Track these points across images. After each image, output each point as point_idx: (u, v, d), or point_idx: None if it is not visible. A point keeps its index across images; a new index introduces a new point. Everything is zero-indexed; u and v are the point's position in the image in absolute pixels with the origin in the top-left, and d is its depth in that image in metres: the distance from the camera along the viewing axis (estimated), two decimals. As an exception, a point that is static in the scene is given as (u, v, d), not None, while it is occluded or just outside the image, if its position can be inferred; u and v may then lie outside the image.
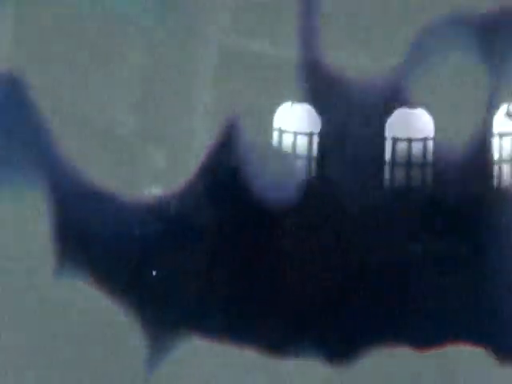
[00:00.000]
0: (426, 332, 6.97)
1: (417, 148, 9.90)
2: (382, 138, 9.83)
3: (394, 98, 9.80)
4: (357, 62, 9.79)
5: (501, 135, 9.37)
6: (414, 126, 9.87)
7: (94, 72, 7.17)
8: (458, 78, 9.39)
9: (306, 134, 9.98)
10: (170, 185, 6.78)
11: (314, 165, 9.91)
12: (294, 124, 9.97)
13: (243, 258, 6.61)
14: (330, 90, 9.77)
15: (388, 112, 9.91)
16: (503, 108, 9.36)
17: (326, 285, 8.22)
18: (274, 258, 6.96)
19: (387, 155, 9.88)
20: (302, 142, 9.90)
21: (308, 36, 9.61)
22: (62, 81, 7.06)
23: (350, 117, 9.84)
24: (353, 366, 6.20)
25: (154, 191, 6.80)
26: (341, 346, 6.52)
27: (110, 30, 7.61)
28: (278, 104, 9.81)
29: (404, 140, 9.98)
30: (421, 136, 9.90)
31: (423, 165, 9.81)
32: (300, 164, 9.65)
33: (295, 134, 9.89)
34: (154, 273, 7.08)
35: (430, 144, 9.78)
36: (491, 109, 9.34)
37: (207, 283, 7.69)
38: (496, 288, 7.71)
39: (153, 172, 6.91)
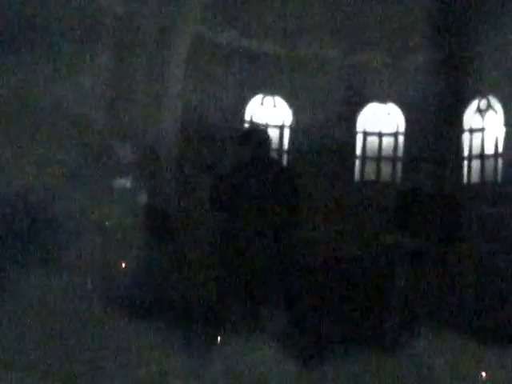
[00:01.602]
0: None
1: (387, 142, 9.97)
2: (353, 132, 9.89)
3: (366, 92, 9.86)
4: (329, 55, 9.83)
5: (471, 131, 9.46)
6: (384, 120, 9.94)
7: (65, 63, 7.11)
8: (429, 74, 9.46)
9: (277, 126, 10.01)
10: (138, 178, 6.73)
11: (284, 157, 9.95)
12: (266, 117, 10.01)
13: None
14: (301, 83, 9.80)
15: (359, 106, 9.97)
16: (474, 104, 9.45)
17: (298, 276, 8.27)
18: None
19: (358, 149, 9.94)
20: (273, 134, 9.93)
21: (279, 29, 9.62)
22: (35, 72, 7.00)
23: (322, 110, 9.87)
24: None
25: (122, 183, 6.75)
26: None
27: (82, 19, 7.53)
28: (250, 97, 9.82)
29: (375, 134, 10.04)
30: (391, 131, 9.98)
31: (393, 159, 9.88)
32: (271, 156, 9.64)
33: (266, 126, 9.91)
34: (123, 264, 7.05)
35: (401, 139, 9.86)
36: (462, 105, 9.42)
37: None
38: (465, 280, 7.81)
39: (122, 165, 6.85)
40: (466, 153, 9.48)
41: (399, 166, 9.82)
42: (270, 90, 9.91)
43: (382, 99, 9.90)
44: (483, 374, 4.77)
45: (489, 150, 9.26)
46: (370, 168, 9.96)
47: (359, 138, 9.99)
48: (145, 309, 6.16)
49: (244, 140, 4.76)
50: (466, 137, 9.51)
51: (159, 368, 4.13)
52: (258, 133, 4.83)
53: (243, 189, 4.74)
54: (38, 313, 4.60)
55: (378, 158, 9.97)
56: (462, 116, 9.43)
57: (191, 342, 4.85)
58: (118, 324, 5.14)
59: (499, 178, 8.95)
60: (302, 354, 4.81)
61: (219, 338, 5.12)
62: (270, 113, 9.99)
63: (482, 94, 9.26)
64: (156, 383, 4.09)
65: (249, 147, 4.72)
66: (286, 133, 10.01)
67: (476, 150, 9.40)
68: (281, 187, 4.82)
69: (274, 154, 9.21)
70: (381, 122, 9.97)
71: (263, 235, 4.79)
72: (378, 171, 9.92)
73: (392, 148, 9.94)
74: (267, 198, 4.76)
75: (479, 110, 9.39)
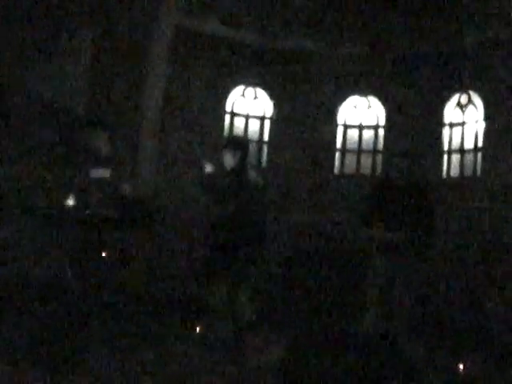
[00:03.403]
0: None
1: (368, 135, 9.99)
2: (334, 125, 9.90)
3: (347, 85, 9.87)
4: (311, 47, 9.83)
5: (451, 125, 9.49)
6: (365, 113, 9.96)
7: (43, 52, 7.05)
8: (410, 67, 9.48)
9: (258, 117, 10.00)
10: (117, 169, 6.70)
11: (265, 149, 9.95)
12: (247, 108, 10.00)
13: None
14: (282, 76, 9.79)
15: (340, 99, 9.98)
16: (454, 98, 9.47)
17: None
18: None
19: (338, 141, 9.95)
20: (255, 125, 9.94)
21: (262, 20, 9.61)
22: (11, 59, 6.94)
23: (303, 102, 9.87)
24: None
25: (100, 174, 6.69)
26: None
27: (60, 8, 7.45)
28: (232, 87, 9.81)
29: (355, 127, 10.06)
30: (372, 123, 10.00)
31: (374, 152, 9.90)
32: (252, 148, 9.65)
33: (247, 117, 9.91)
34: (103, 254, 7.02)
35: (381, 131, 9.88)
36: (442, 99, 9.44)
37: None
38: (444, 271, 7.87)
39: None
40: (446, 147, 9.53)
41: (379, 158, 9.85)
42: (251, 81, 9.90)
43: (363, 92, 9.92)
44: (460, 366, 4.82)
45: (468, 144, 9.32)
46: (350, 160, 9.99)
47: (340, 131, 10.01)
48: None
49: (231, 146, 5.39)
50: (446, 131, 9.55)
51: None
52: (243, 141, 5.62)
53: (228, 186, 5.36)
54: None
55: (358, 150, 10.00)
56: (443, 110, 9.47)
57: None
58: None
59: (478, 172, 8.99)
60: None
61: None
62: (251, 104, 9.99)
63: (463, 89, 9.31)
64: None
65: (236, 153, 5.34)
66: (267, 124, 10.01)
67: (456, 144, 9.46)
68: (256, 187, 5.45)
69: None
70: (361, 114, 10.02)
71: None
72: (358, 164, 9.95)
73: (372, 141, 9.97)
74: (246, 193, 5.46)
75: (460, 105, 9.44)
